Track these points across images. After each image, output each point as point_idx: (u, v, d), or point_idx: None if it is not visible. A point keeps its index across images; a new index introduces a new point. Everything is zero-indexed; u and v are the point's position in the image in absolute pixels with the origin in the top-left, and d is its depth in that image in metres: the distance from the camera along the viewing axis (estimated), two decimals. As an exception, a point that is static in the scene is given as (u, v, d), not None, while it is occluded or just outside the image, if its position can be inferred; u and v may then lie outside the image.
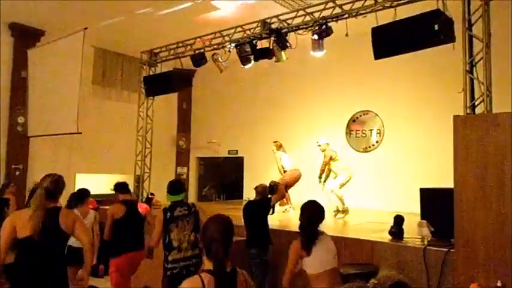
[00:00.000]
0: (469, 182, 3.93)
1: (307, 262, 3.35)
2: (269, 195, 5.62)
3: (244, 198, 10.96)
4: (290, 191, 8.45)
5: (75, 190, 6.08)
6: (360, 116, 10.13)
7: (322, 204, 3.70)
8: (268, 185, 5.74)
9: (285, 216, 7.93)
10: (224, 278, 2.05)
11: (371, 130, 9.97)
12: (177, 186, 4.51)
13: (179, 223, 4.24)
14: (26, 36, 9.84)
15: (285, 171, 8.48)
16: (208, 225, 2.21)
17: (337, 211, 7.68)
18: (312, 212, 3.53)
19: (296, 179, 8.34)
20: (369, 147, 9.96)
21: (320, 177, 7.83)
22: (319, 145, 7.96)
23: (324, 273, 3.31)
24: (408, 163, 8.99)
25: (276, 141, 8.83)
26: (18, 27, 9.68)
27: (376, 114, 9.85)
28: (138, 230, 4.98)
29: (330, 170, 7.84)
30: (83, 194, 5.73)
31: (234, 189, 12.91)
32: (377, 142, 9.86)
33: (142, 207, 6.34)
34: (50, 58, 8.93)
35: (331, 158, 7.72)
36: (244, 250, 5.34)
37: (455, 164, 4.02)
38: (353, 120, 10.22)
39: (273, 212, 5.87)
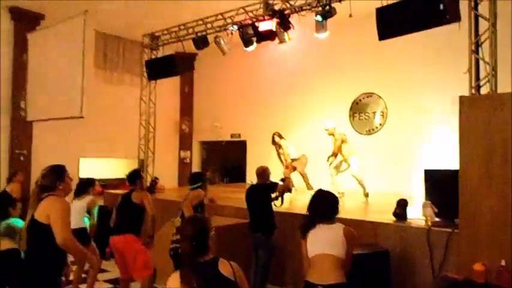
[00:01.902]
0: (473, 162, 3.92)
1: (306, 247, 3.37)
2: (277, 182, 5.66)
3: (247, 182, 11.02)
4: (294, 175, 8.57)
5: (79, 176, 6.09)
6: (363, 98, 10.08)
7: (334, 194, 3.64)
8: (266, 167, 5.68)
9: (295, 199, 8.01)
10: (194, 269, 2.33)
11: (374, 112, 9.93)
12: (193, 177, 5.24)
13: None
14: (26, 20, 9.77)
15: (292, 160, 8.55)
16: (184, 225, 2.63)
17: (341, 193, 7.76)
18: (315, 201, 3.52)
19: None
20: (372, 129, 9.95)
21: (329, 158, 7.85)
22: (327, 129, 7.95)
23: (315, 257, 3.28)
24: (412, 145, 8.99)
25: (275, 132, 8.87)
26: (18, 11, 9.62)
27: (380, 97, 9.81)
28: (126, 216, 4.96)
29: (337, 153, 7.84)
30: (86, 184, 5.77)
31: (236, 173, 12.97)
32: (380, 124, 9.83)
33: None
34: (51, 42, 8.85)
35: (342, 141, 7.72)
36: (248, 233, 5.38)
37: (460, 144, 4.00)
38: (356, 102, 10.18)
39: (282, 203, 5.91)
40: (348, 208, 6.91)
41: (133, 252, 4.76)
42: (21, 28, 9.67)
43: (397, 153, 9.14)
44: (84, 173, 10.14)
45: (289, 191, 6.34)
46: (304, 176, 8.56)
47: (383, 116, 9.79)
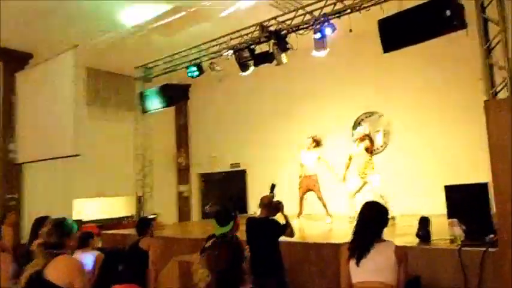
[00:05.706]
0: (508, 171, 3.57)
1: (353, 270, 2.94)
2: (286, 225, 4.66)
3: (249, 213, 10.59)
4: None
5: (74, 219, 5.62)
6: (365, 117, 9.82)
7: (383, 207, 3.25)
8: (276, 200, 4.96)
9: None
10: None
11: (377, 131, 9.63)
12: (222, 216, 3.84)
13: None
14: (14, 61, 9.53)
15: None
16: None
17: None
18: (368, 213, 3.09)
19: None
20: (377, 149, 9.61)
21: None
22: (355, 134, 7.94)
23: (359, 285, 2.88)
24: (423, 161, 8.65)
25: (313, 136, 8.27)
26: (6, 52, 9.37)
27: (382, 115, 9.55)
28: (133, 264, 4.66)
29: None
30: (87, 235, 5.12)
31: (238, 204, 12.50)
32: (385, 143, 9.51)
33: None
34: (40, 80, 8.58)
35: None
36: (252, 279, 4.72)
37: (491, 154, 3.66)
38: (358, 123, 9.89)
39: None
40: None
41: None
42: (9, 68, 9.42)
43: (406, 171, 8.79)
44: (78, 215, 9.71)
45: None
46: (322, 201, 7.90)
47: (386, 134, 9.48)
